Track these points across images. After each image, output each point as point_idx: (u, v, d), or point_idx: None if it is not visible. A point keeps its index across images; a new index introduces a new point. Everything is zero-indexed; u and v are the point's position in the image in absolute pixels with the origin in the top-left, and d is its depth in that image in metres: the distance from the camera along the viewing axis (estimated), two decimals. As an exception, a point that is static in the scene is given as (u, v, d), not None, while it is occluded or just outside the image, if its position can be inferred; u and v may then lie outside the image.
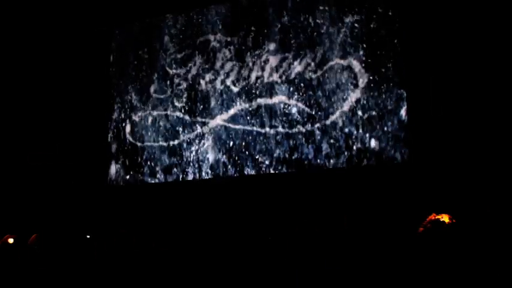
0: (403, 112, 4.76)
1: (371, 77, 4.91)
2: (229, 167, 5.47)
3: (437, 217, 2.62)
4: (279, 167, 5.23)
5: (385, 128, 4.81)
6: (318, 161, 5.07)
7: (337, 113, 5.03)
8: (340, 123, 5.00)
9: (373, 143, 4.86)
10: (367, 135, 4.88)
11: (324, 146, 5.06)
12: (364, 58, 4.95)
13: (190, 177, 5.65)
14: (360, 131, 4.91)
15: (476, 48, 4.49)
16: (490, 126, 4.43)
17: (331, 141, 5.03)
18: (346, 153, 4.95)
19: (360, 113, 4.93)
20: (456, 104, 4.55)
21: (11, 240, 3.76)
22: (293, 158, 5.18)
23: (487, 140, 4.40)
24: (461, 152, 4.49)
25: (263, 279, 4.80)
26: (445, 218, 2.61)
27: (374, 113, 4.88)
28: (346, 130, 4.97)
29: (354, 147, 4.92)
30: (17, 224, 5.01)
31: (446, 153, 4.55)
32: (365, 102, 4.92)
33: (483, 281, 2.61)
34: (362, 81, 4.97)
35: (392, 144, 4.76)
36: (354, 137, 4.94)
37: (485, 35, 4.46)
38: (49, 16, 6.29)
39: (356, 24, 5.01)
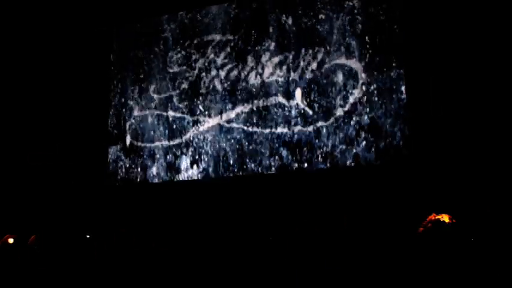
0: (404, 94, 4.76)
1: (372, 76, 4.91)
2: (230, 166, 5.46)
3: (437, 217, 2.62)
4: (280, 167, 5.23)
5: (386, 119, 4.81)
6: (319, 160, 5.07)
7: (338, 112, 5.03)
8: (341, 122, 5.00)
9: (376, 138, 4.86)
10: (369, 132, 4.88)
11: (326, 144, 5.06)
12: (365, 54, 4.96)
13: (190, 176, 5.64)
14: (362, 128, 4.91)
15: (478, 37, 4.48)
16: (491, 121, 4.43)
17: (333, 139, 5.02)
18: (347, 152, 4.95)
19: (360, 112, 4.93)
20: (456, 98, 4.55)
21: (11, 240, 3.76)
22: (294, 157, 5.18)
23: (489, 133, 4.40)
24: (461, 147, 4.49)
25: (263, 279, 4.80)
26: (445, 218, 2.61)
27: (375, 112, 4.88)
28: (348, 128, 4.96)
29: (356, 145, 4.92)
30: (17, 224, 5.00)
31: (446, 150, 4.55)
32: (366, 100, 4.92)
33: (483, 281, 2.61)
34: (363, 81, 4.97)
35: (393, 137, 4.77)
36: (355, 135, 4.93)
37: (486, 20, 4.46)
38: (50, 16, 6.29)
39: (355, 12, 5.02)
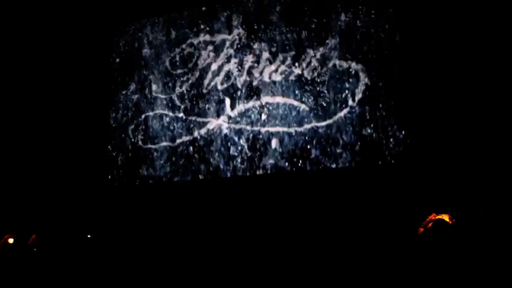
0: (404, 94, 4.78)
1: (372, 77, 4.92)
2: (230, 167, 5.46)
3: (437, 217, 2.62)
4: (281, 167, 5.23)
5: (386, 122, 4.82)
6: (319, 160, 5.07)
7: (339, 112, 5.04)
8: (342, 122, 5.01)
9: (376, 135, 4.87)
10: (369, 132, 4.89)
11: (326, 145, 5.06)
12: (365, 56, 4.98)
13: (191, 177, 5.64)
14: (362, 128, 4.92)
15: (477, 39, 4.49)
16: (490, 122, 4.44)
17: (333, 139, 5.03)
18: (348, 151, 4.96)
19: (361, 113, 4.94)
20: (456, 98, 4.56)
21: (11, 240, 3.76)
22: (294, 157, 5.18)
23: (489, 133, 4.40)
24: (462, 147, 4.49)
25: (263, 280, 4.80)
26: (445, 218, 2.61)
27: (375, 113, 4.89)
28: (348, 128, 4.97)
29: (356, 145, 4.93)
30: (17, 224, 5.00)
31: (447, 150, 4.56)
32: (366, 100, 4.93)
33: (484, 280, 2.61)
34: (363, 81, 4.98)
35: (393, 138, 4.78)
36: (355, 135, 4.94)
37: (485, 22, 4.47)
38: (51, 16, 6.29)
39: (356, 13, 5.05)
